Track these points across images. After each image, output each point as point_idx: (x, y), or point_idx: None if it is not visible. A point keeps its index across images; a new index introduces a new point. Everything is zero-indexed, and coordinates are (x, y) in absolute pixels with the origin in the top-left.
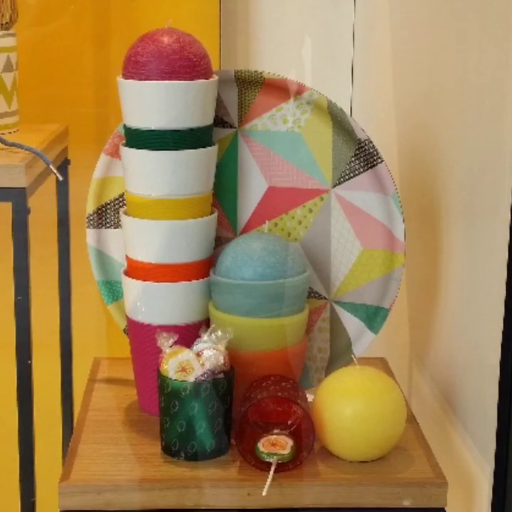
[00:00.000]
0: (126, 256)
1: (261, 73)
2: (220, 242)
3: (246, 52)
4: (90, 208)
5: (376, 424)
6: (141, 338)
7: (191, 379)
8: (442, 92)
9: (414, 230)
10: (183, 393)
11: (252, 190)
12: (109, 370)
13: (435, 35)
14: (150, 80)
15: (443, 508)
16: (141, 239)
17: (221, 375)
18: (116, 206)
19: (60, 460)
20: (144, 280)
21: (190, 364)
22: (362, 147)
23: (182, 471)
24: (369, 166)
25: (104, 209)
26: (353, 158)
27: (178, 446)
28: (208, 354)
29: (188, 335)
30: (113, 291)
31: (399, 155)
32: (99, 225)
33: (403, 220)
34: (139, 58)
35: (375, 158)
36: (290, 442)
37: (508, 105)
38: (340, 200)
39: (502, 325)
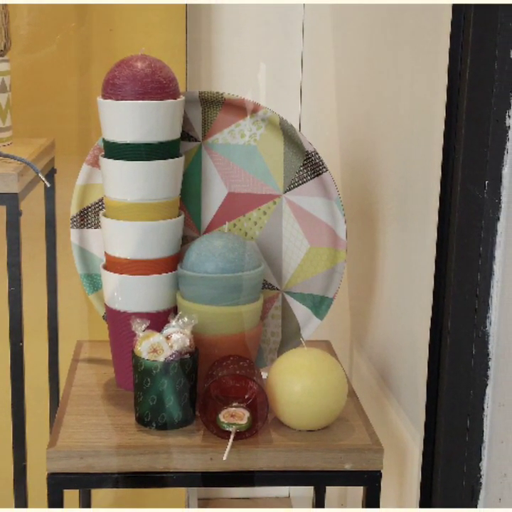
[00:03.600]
0: (105, 252)
1: (222, 94)
2: (186, 241)
3: (209, 75)
4: (74, 210)
5: (321, 398)
6: (118, 323)
7: (161, 359)
8: (379, 112)
9: (354, 229)
10: (155, 371)
11: (214, 195)
12: (90, 351)
13: (373, 63)
14: (126, 100)
15: (379, 471)
16: (118, 238)
17: (187, 356)
18: (97, 209)
19: (48, 429)
20: (121, 273)
21: (160, 346)
22: (309, 158)
23: (153, 439)
24: (315, 174)
25: (85, 212)
26: (301, 168)
27: (150, 417)
28: (176, 337)
29: (158, 321)
30: (94, 283)
31: (341, 165)
32: (82, 226)
33: (345, 222)
34: (116, 81)
35: (321, 167)
36: (247, 414)
37: (436, 124)
38: (290, 204)
39: (431, 312)
